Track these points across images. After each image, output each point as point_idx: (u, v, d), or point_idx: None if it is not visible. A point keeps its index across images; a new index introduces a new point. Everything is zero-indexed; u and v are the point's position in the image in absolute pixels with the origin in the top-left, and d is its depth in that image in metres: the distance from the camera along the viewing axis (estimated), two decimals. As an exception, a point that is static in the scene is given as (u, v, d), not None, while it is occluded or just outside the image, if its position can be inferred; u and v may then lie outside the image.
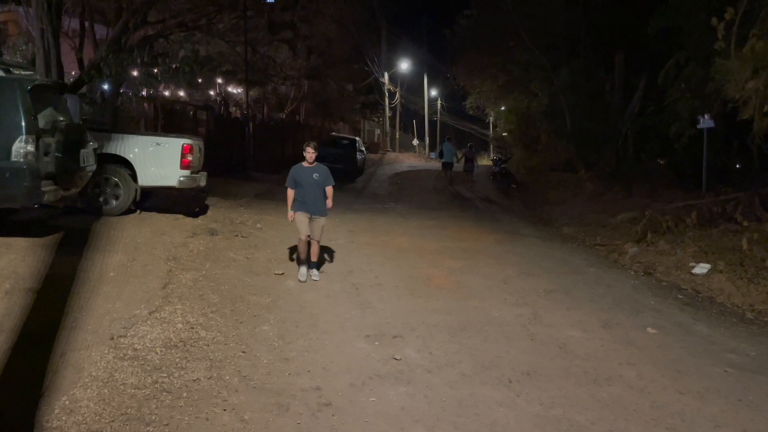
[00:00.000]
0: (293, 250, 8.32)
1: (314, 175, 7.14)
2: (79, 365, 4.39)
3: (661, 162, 18.04)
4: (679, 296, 7.93)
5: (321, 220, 7.30)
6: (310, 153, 7.16)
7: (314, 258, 7.44)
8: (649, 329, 6.39)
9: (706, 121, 12.51)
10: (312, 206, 7.19)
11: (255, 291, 6.70)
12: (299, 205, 7.17)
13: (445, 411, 4.26)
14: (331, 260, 8.49)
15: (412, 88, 49.81)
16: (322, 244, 7.64)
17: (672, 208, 11.57)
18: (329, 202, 7.33)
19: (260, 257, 8.24)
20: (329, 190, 7.30)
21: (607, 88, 20.02)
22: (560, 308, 6.99)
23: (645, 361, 5.46)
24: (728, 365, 5.46)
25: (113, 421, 3.73)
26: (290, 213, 7.22)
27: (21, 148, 6.71)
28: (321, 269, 7.79)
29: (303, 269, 7.38)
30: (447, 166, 23.25)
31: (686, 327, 6.61)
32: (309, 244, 7.32)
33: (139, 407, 3.92)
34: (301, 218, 7.18)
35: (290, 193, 7.22)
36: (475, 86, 33.57)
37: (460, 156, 24.45)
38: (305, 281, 7.27)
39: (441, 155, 23.97)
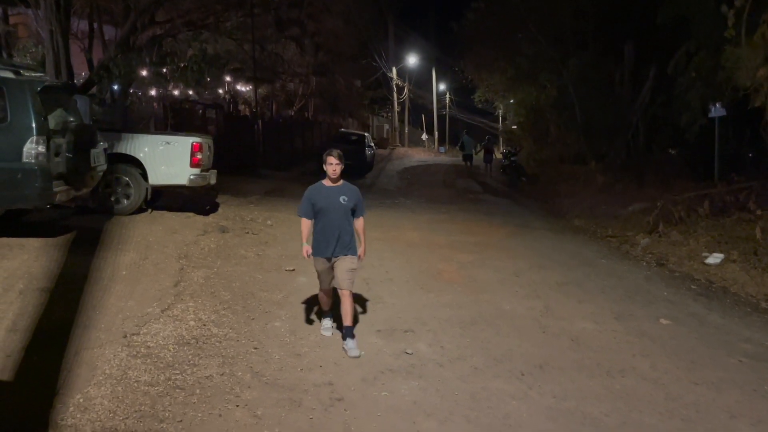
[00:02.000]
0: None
1: (341, 199, 5.08)
2: (93, 363, 4.42)
3: (673, 152, 17.87)
4: (693, 287, 7.87)
5: (349, 261, 5.10)
6: (333, 165, 5.05)
7: (347, 320, 5.11)
8: (662, 320, 6.34)
9: (717, 110, 12.38)
10: (337, 244, 5.08)
11: (266, 287, 6.72)
12: (319, 245, 5.12)
13: (458, 404, 4.26)
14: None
15: (420, 82, 49.77)
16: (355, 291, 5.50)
17: (684, 198, 11.47)
18: (361, 250, 5.22)
19: (271, 254, 8.25)
20: (360, 224, 5.24)
21: (616, 78, 19.85)
22: (572, 301, 6.95)
23: (658, 352, 5.42)
24: (743, 355, 5.42)
25: (127, 418, 3.75)
26: (306, 246, 5.15)
27: (32, 149, 6.76)
28: (355, 332, 5.26)
29: (327, 321, 5.52)
30: (467, 157, 25.82)
31: (700, 317, 6.56)
32: (333, 291, 5.34)
33: (152, 404, 3.94)
34: (322, 265, 5.17)
35: (305, 224, 5.16)
36: (483, 79, 33.40)
37: (479, 148, 26.72)
38: (330, 335, 5.40)
39: (462, 147, 26.50)
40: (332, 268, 5.12)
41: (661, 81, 16.65)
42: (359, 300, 6.35)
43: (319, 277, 5.29)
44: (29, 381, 4.12)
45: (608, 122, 19.51)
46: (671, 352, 5.45)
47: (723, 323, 6.38)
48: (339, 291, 5.10)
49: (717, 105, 12.39)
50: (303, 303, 6.22)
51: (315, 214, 5.11)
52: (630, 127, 18.54)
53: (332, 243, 5.05)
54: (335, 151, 5.09)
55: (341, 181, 5.17)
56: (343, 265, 5.08)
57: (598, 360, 5.17)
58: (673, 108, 15.21)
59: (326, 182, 5.15)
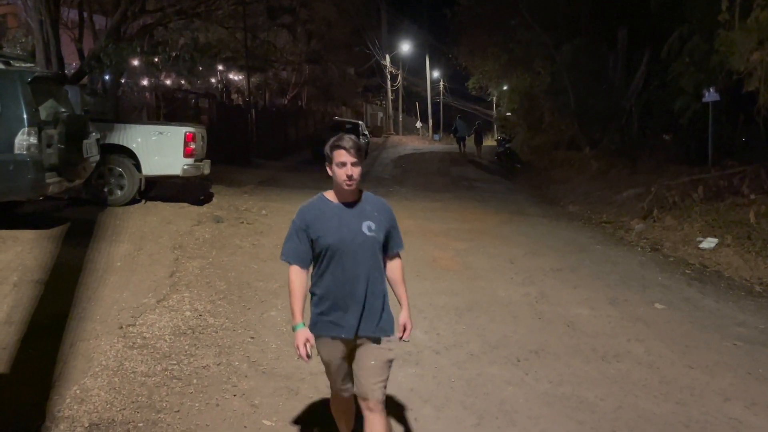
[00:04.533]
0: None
1: (365, 227, 2.91)
2: (89, 355, 4.42)
3: (666, 137, 17.89)
4: (687, 271, 7.91)
5: (383, 348, 2.95)
6: (348, 166, 2.83)
7: None
8: (656, 305, 6.38)
9: (711, 95, 12.38)
10: (362, 313, 2.90)
11: (262, 277, 6.71)
12: (326, 316, 2.93)
13: (454, 391, 4.28)
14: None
15: (413, 70, 49.61)
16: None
17: (678, 183, 11.51)
18: (403, 319, 3.04)
19: (266, 243, 8.24)
20: (397, 270, 3.10)
21: (610, 64, 19.82)
22: (567, 286, 6.98)
23: (653, 336, 5.46)
24: (737, 339, 5.45)
25: (124, 409, 3.75)
26: (300, 333, 2.88)
27: (24, 140, 6.71)
28: None
29: None
30: (461, 140, 29.25)
31: (694, 302, 6.59)
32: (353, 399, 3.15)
33: (149, 395, 3.94)
34: (333, 353, 2.98)
35: (296, 279, 2.92)
36: (477, 66, 33.26)
37: (470, 132, 30.04)
38: None
39: (456, 131, 30.08)
40: (352, 357, 2.97)
41: (655, 66, 16.63)
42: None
43: (328, 372, 3.06)
44: (25, 373, 4.11)
45: (602, 108, 19.50)
46: (666, 336, 5.48)
47: (717, 307, 6.42)
48: (362, 403, 2.95)
49: (711, 90, 12.38)
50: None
51: (316, 257, 2.91)
52: (624, 112, 18.54)
53: (352, 311, 2.86)
54: (350, 139, 2.85)
55: (361, 194, 2.96)
56: (373, 355, 2.92)
57: (594, 345, 5.20)
58: (667, 93, 15.20)
59: (332, 196, 2.93)
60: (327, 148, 2.86)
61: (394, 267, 3.10)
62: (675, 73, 14.05)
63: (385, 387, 2.95)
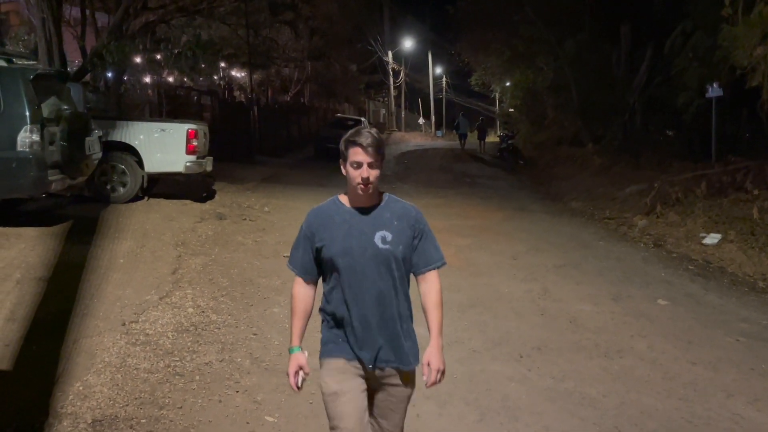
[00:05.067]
0: None
1: (379, 237, 2.43)
2: (92, 351, 4.42)
3: (670, 133, 17.86)
4: (690, 267, 7.89)
5: (401, 389, 2.50)
6: (364, 167, 2.38)
7: None
8: (659, 301, 6.37)
9: (714, 90, 12.34)
10: (381, 338, 2.43)
11: (264, 274, 6.71)
12: (336, 337, 2.50)
13: (457, 387, 4.27)
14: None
15: (416, 66, 49.50)
16: None
17: (681, 179, 11.48)
18: (430, 351, 2.48)
19: (269, 240, 8.24)
20: (433, 291, 2.52)
21: (613, 60, 19.77)
22: (570, 283, 6.97)
23: (656, 332, 5.45)
24: (740, 334, 5.44)
25: (127, 405, 3.76)
26: (296, 357, 2.52)
27: (26, 137, 6.72)
28: None
29: None
30: (462, 136, 28.87)
31: (697, 297, 6.58)
32: None
33: (152, 391, 3.95)
34: (343, 381, 2.44)
35: (298, 291, 2.56)
36: (479, 62, 33.29)
37: (473, 128, 30.36)
38: None
39: (458, 128, 29.55)
40: (364, 389, 2.46)
41: (658, 61, 16.59)
42: None
43: (333, 408, 2.43)
44: (28, 370, 4.12)
45: (605, 104, 19.47)
46: (669, 332, 5.47)
47: (720, 303, 6.41)
48: None
49: (714, 85, 12.35)
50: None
51: (325, 269, 2.50)
52: (627, 108, 18.50)
53: (366, 338, 2.41)
54: (369, 135, 2.40)
55: (382, 197, 2.52)
56: (393, 394, 2.50)
57: (596, 341, 5.19)
58: (670, 89, 15.17)
59: (346, 200, 2.52)
60: (342, 144, 2.43)
61: (426, 288, 2.51)
62: (678, 69, 14.03)
63: (402, 429, 2.58)
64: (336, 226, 2.45)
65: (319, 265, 2.52)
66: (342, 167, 2.46)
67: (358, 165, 2.37)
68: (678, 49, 14.14)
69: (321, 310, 2.55)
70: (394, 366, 2.45)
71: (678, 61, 14.10)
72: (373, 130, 2.45)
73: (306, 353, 2.52)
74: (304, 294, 2.55)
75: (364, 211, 2.47)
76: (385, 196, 2.52)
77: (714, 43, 11.56)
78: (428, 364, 2.46)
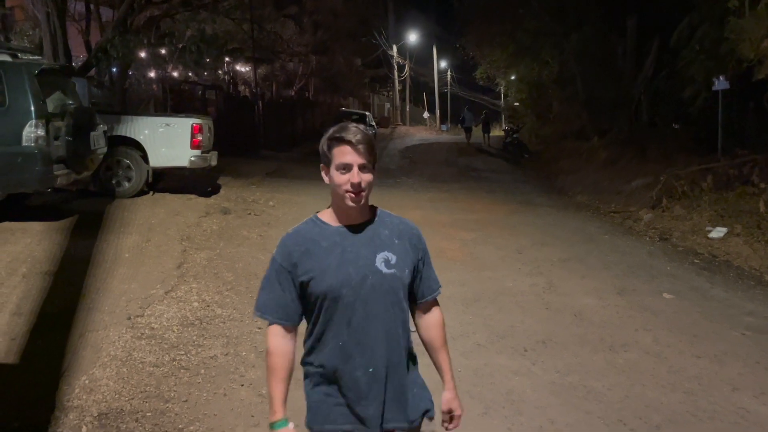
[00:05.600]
0: None
1: (380, 260, 1.98)
2: (98, 345, 4.44)
3: (676, 126, 17.76)
4: (696, 261, 7.86)
5: None
6: (354, 170, 1.92)
7: None
8: (665, 295, 6.35)
9: (720, 83, 12.25)
10: (385, 390, 1.98)
11: (269, 268, 6.71)
12: (328, 394, 2.03)
13: (461, 381, 4.25)
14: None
15: (421, 60, 49.42)
16: None
17: (687, 173, 11.43)
18: (448, 396, 2.17)
19: (273, 234, 8.25)
20: (435, 322, 2.21)
21: (619, 53, 19.65)
22: (575, 276, 6.95)
23: (661, 326, 5.43)
24: (746, 328, 5.42)
25: (133, 398, 3.78)
26: None
27: (31, 132, 6.74)
28: None
29: None
30: (468, 129, 29.90)
31: (703, 291, 6.56)
32: None
33: (157, 385, 3.97)
34: None
35: (278, 343, 2.05)
36: (484, 56, 33.07)
37: (478, 122, 31.44)
38: None
39: (463, 121, 30.91)
40: None
41: (664, 54, 16.49)
42: None
43: None
44: (35, 364, 4.14)
45: (611, 97, 19.36)
46: (674, 326, 5.45)
47: (726, 297, 6.38)
48: None
49: (721, 78, 12.25)
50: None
51: (310, 309, 2.04)
52: (633, 101, 18.41)
53: (372, 393, 1.98)
54: (357, 130, 1.96)
55: (375, 213, 2.09)
56: None
57: (601, 335, 5.19)
58: (677, 81, 15.08)
59: (330, 217, 2.05)
60: (323, 144, 1.95)
61: (430, 322, 2.16)
62: (685, 62, 13.92)
63: None
64: (324, 252, 1.94)
65: (300, 305, 2.01)
66: (324, 174, 1.97)
67: (347, 168, 1.90)
68: (684, 42, 14.04)
69: (304, 363, 2.06)
70: (404, 428, 2.02)
71: (684, 54, 14.00)
72: (361, 126, 1.98)
73: (292, 426, 2.00)
74: (285, 346, 2.01)
75: (357, 229, 1.98)
76: (379, 211, 2.06)
77: (721, 35, 11.47)
78: (449, 412, 2.15)
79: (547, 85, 26.32)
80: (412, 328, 2.13)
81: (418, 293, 2.11)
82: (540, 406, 3.93)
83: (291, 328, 2.03)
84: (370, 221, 2.02)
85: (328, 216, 2.02)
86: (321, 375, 2.01)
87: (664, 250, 8.46)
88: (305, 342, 2.06)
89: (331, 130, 1.96)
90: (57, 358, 4.19)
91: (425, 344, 2.18)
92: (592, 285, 6.63)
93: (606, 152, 17.50)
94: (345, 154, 1.90)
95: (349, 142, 1.89)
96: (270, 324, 2.02)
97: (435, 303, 2.18)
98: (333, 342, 1.97)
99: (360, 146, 1.90)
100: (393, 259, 1.97)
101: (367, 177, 1.92)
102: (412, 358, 2.11)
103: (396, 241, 2.01)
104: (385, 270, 1.95)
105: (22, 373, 4.04)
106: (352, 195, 1.91)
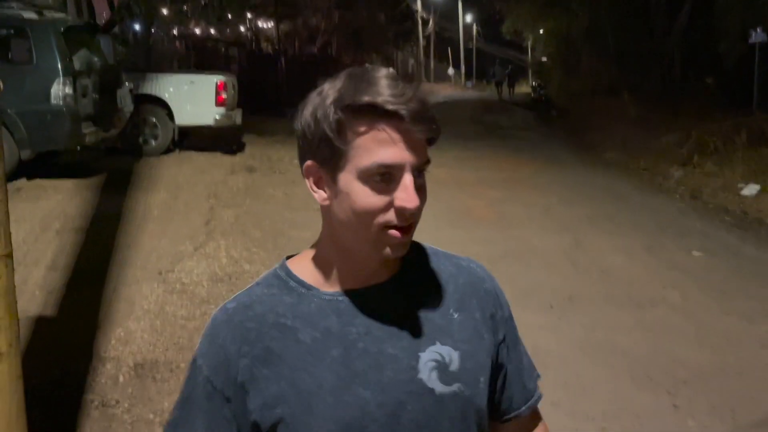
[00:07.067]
0: None
1: (426, 365, 0.90)
2: (131, 299, 4.55)
3: (709, 81, 17.25)
4: (727, 218, 7.73)
5: None
6: (407, 184, 0.89)
7: None
8: (694, 252, 6.27)
9: (758, 35, 11.82)
10: None
11: (295, 225, 6.77)
12: None
13: (487, 336, 4.30)
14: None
15: (446, 14, 48.36)
16: None
17: (720, 128, 11.14)
18: None
19: (299, 192, 8.28)
20: (543, 427, 1.11)
21: (652, 3, 19.00)
22: (602, 234, 6.89)
23: (690, 284, 5.38)
24: (777, 286, 5.35)
25: (167, 350, 3.88)
26: None
27: (59, 90, 6.80)
28: None
29: None
30: (498, 83, 30.82)
31: (733, 249, 6.46)
32: None
33: (190, 337, 4.06)
34: None
35: None
36: (512, 9, 32.29)
37: (504, 77, 31.73)
38: None
39: (494, 75, 31.95)
40: None
41: (699, 5, 15.90)
42: None
43: None
44: (71, 316, 4.26)
45: (642, 51, 18.81)
46: (703, 283, 5.40)
47: (757, 255, 6.29)
48: None
49: (758, 30, 11.81)
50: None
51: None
52: (665, 55, 17.87)
53: None
54: (400, 86, 0.88)
55: (403, 258, 0.98)
56: None
57: (629, 292, 5.16)
58: (711, 34, 14.57)
59: (314, 274, 0.99)
60: (322, 114, 0.92)
61: None
62: (720, 13, 13.43)
63: None
64: (308, 354, 0.91)
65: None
66: (309, 180, 1.01)
67: (389, 175, 0.90)
68: (721, -8, 13.53)
69: None
70: None
71: (720, 4, 13.50)
72: (411, 86, 0.93)
73: None
74: None
75: (374, 296, 0.96)
76: (415, 251, 1.08)
77: (760, -16, 11.02)
78: None
79: (576, 38, 25.62)
80: None
81: (502, 403, 1.08)
82: (566, 361, 3.95)
83: None
84: (398, 276, 1.00)
85: (310, 270, 1.01)
86: None
87: (695, 207, 8.33)
88: None
89: (339, 82, 0.94)
90: (92, 311, 4.30)
91: None
92: (620, 242, 6.57)
93: (636, 108, 17.11)
94: (386, 145, 0.88)
95: (395, 115, 0.87)
96: None
97: (536, 417, 1.15)
98: None
99: (420, 125, 0.90)
100: (454, 359, 0.94)
101: (424, 193, 0.96)
102: None
103: (456, 316, 1.00)
104: (440, 388, 0.92)
105: (60, 325, 4.17)
106: (398, 235, 0.90)
